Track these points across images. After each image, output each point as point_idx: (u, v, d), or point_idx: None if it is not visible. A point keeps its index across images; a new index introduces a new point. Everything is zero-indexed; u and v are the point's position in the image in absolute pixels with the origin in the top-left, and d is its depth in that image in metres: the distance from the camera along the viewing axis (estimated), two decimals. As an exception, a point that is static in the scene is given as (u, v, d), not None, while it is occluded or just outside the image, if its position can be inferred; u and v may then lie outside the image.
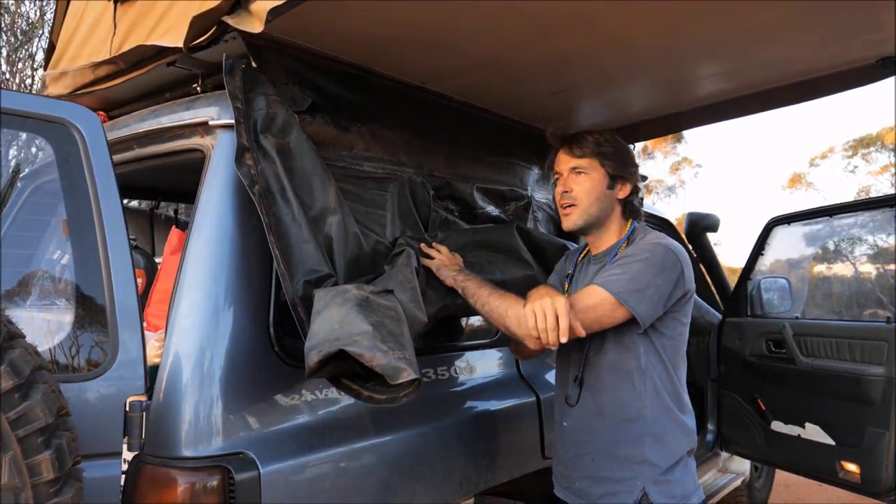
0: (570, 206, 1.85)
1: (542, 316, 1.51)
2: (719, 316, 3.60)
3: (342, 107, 1.91)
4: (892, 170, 19.76)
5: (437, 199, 2.17)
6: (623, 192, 1.87)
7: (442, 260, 1.97)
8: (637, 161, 1.92)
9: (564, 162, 1.88)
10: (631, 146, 1.98)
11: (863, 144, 20.56)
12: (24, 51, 9.76)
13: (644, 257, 1.70)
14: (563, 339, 1.50)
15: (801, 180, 22.49)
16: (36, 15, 9.79)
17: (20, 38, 9.61)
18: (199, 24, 1.63)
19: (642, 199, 1.96)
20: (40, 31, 9.75)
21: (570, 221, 1.87)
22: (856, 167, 20.94)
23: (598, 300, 1.65)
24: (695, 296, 1.83)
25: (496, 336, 2.35)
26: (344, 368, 1.54)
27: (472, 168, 2.37)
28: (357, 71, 1.97)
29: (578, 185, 1.84)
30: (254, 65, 1.69)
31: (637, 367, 1.73)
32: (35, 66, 9.78)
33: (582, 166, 1.84)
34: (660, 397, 1.73)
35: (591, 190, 1.84)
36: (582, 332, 1.56)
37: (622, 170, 1.86)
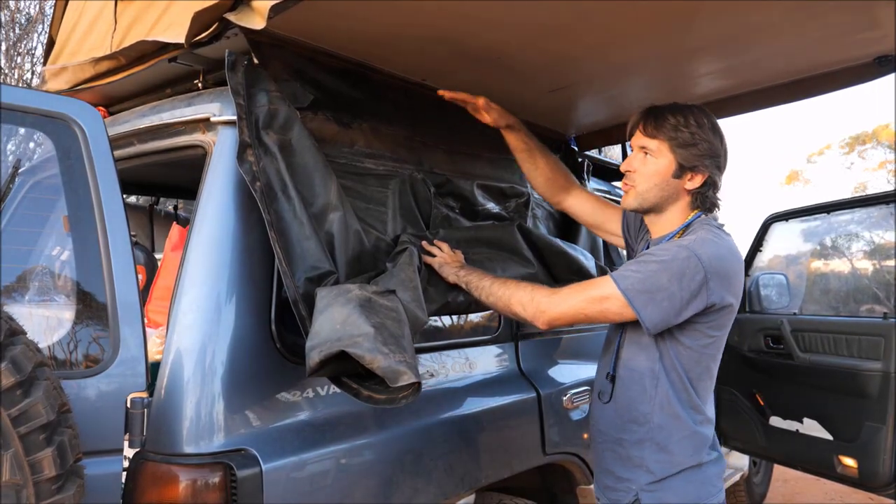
0: (628, 185, 1.76)
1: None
2: None
3: (344, 103, 1.91)
4: (888, 166, 19.80)
5: (437, 195, 2.17)
6: (693, 182, 1.71)
7: (444, 258, 1.96)
8: (720, 150, 1.72)
9: (637, 137, 1.75)
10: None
11: (859, 142, 20.59)
12: (22, 46, 9.72)
13: (663, 259, 1.58)
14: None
15: (799, 177, 22.54)
16: (35, 10, 9.75)
17: (17, 32, 9.57)
18: (201, 20, 1.63)
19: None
20: (39, 27, 9.71)
21: (624, 201, 1.78)
22: (852, 164, 20.99)
23: (606, 293, 1.61)
24: None
25: (497, 332, 2.36)
26: (345, 368, 1.54)
27: (473, 165, 2.37)
28: (358, 67, 1.97)
29: (642, 165, 1.73)
30: (255, 61, 1.69)
31: (650, 371, 1.67)
32: (34, 61, 9.74)
33: (650, 147, 1.71)
34: (670, 405, 1.65)
35: (653, 175, 1.71)
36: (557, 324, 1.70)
37: (696, 160, 1.69)
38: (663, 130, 1.69)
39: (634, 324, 1.66)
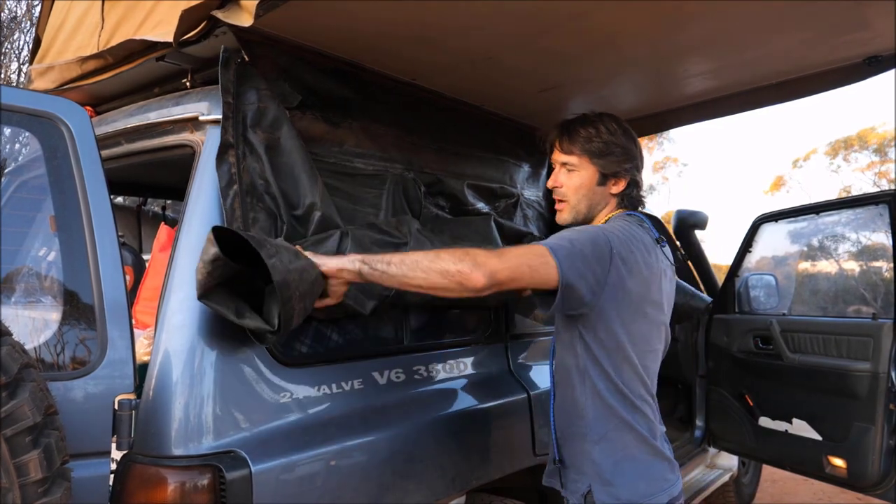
0: (560, 201, 1.82)
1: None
2: (707, 298, 3.62)
3: (333, 102, 1.90)
4: (877, 168, 19.98)
5: (428, 195, 2.17)
6: (618, 187, 1.79)
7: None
8: (635, 151, 1.80)
9: (556, 155, 1.82)
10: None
11: (845, 145, 20.79)
12: (7, 45, 9.64)
13: (577, 229, 1.67)
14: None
15: (785, 181, 22.69)
16: (21, 10, 9.68)
17: (3, 32, 9.49)
18: (190, 18, 1.62)
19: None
20: (25, 26, 9.64)
21: (560, 217, 1.84)
22: (838, 167, 21.18)
23: (527, 249, 1.57)
24: (678, 280, 1.76)
25: (488, 333, 2.36)
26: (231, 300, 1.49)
27: (463, 164, 2.36)
28: (348, 67, 1.96)
29: (568, 180, 1.79)
30: (246, 59, 1.68)
31: (576, 367, 1.70)
32: (21, 61, 9.66)
33: (571, 163, 1.78)
34: (601, 397, 1.67)
35: (580, 187, 1.78)
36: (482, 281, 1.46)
37: (615, 167, 1.77)
38: (578, 144, 1.77)
39: (562, 322, 1.72)
